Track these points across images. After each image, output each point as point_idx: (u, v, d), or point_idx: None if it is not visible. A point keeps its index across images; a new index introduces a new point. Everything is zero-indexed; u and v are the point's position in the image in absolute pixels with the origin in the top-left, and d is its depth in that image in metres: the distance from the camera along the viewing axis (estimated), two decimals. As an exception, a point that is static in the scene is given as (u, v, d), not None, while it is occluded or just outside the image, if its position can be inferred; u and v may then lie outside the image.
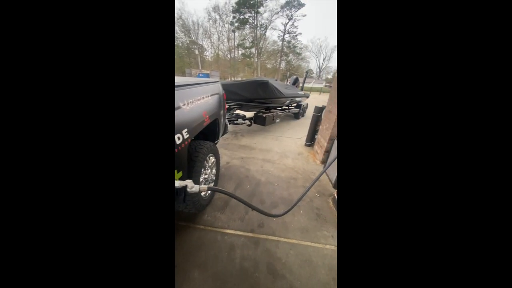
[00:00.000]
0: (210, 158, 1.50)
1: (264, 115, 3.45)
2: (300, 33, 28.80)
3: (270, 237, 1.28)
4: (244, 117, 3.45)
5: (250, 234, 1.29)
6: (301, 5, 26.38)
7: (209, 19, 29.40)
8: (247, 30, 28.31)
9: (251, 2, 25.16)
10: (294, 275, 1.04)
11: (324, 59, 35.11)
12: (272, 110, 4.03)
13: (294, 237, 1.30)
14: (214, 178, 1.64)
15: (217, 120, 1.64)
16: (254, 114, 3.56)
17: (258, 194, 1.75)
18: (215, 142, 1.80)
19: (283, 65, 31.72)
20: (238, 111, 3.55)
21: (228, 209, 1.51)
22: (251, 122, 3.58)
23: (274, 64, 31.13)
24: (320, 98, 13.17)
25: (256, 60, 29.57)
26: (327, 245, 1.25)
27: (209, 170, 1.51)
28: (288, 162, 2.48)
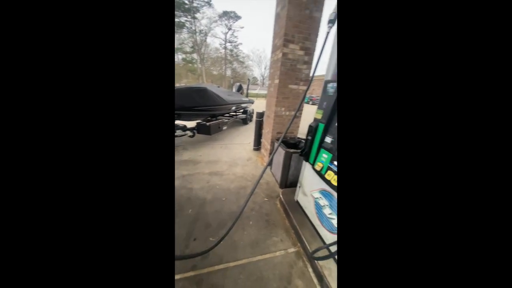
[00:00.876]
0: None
1: (208, 123, 3.20)
2: (241, 43, 30.66)
3: (216, 268, 1.09)
4: (184, 128, 3.05)
5: (190, 274, 1.05)
6: (238, 17, 28.18)
7: (135, 17, 25.21)
8: (185, 34, 26.69)
9: (186, 6, 24.08)
10: (245, 305, 0.92)
11: (265, 68, 39.08)
12: (219, 117, 3.84)
13: (244, 255, 1.19)
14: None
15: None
16: (197, 123, 3.24)
17: (203, 217, 1.52)
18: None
19: (229, 72, 32.33)
20: (176, 122, 3.10)
21: (161, 249, 1.18)
22: (193, 133, 3.23)
23: (220, 71, 31.14)
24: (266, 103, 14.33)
25: (200, 66, 28.38)
26: (277, 252, 1.23)
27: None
28: (237, 171, 2.38)
